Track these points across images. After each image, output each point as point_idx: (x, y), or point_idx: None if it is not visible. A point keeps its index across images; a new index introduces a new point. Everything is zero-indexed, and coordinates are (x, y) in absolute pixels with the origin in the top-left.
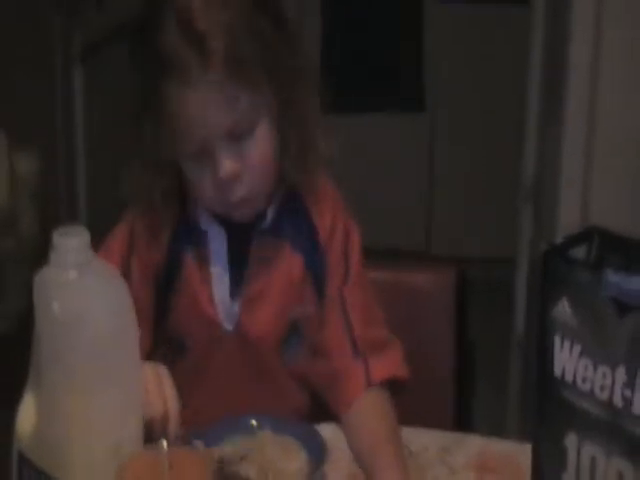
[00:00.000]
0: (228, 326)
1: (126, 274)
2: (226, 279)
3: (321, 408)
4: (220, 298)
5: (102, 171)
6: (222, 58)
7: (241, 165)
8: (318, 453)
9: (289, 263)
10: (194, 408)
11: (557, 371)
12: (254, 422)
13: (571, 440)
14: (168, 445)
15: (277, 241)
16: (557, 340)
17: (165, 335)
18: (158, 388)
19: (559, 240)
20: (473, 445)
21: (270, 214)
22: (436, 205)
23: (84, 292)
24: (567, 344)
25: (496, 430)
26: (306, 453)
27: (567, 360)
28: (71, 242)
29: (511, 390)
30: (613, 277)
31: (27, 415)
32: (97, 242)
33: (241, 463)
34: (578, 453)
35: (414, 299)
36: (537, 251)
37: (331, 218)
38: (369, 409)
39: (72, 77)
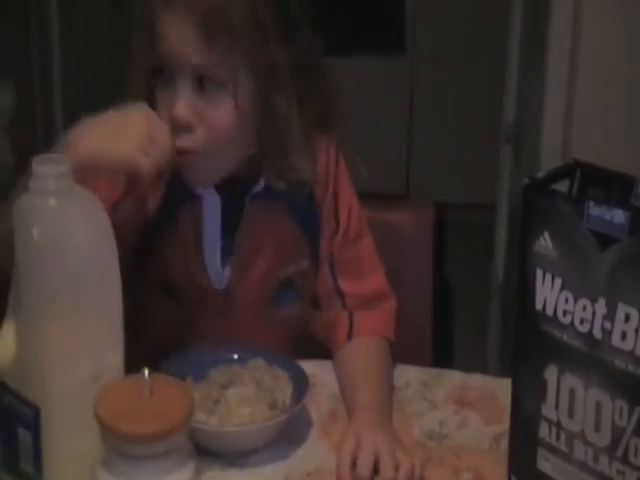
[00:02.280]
0: (218, 286)
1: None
2: (218, 246)
3: None
4: (211, 263)
5: (79, 103)
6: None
7: (197, 119)
8: (302, 387)
9: (283, 225)
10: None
11: (538, 305)
12: (236, 356)
13: (551, 372)
14: (150, 374)
15: (271, 204)
16: (538, 274)
17: (159, 278)
18: (157, 133)
19: (540, 174)
20: (452, 380)
21: (262, 180)
22: (416, 149)
23: (64, 219)
24: (548, 278)
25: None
26: (292, 384)
27: (548, 294)
28: (50, 169)
29: (490, 333)
30: (594, 210)
31: (7, 342)
32: None
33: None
34: (558, 384)
35: (393, 238)
36: (517, 194)
37: (324, 179)
38: (355, 353)
39: (49, 13)
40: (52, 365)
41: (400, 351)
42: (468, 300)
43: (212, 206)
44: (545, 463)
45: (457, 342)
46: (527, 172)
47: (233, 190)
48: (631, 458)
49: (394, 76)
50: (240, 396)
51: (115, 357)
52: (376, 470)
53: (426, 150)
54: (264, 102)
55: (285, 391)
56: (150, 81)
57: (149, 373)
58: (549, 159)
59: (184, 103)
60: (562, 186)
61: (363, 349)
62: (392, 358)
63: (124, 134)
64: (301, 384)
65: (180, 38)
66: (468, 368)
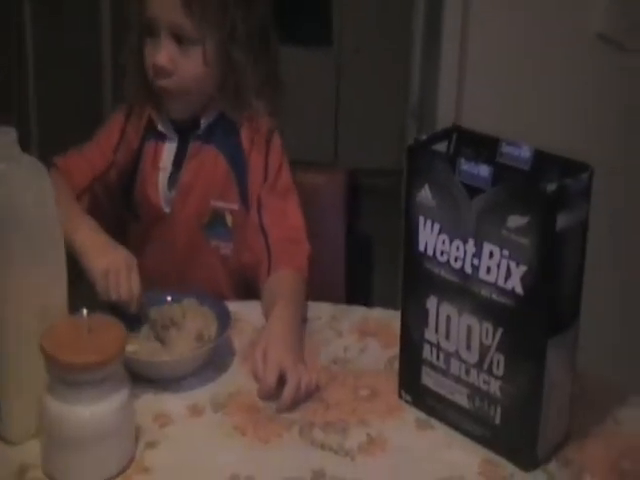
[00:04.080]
0: (166, 209)
1: (116, 151)
2: (167, 173)
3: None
4: (162, 186)
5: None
6: None
7: (173, 67)
8: (226, 322)
9: (214, 163)
10: (143, 266)
11: (421, 247)
12: (169, 298)
13: (431, 302)
14: (88, 313)
15: (207, 145)
16: (420, 220)
17: (129, 205)
18: (128, 274)
19: (422, 136)
20: (357, 314)
21: (203, 124)
22: (342, 125)
23: (12, 182)
24: (429, 224)
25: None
26: (217, 320)
27: (429, 237)
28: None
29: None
30: (465, 166)
31: None
32: (48, 159)
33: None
34: (437, 312)
35: (311, 197)
36: None
37: (254, 135)
38: (274, 283)
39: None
40: (3, 305)
41: (317, 294)
42: (383, 249)
43: (170, 141)
44: (428, 378)
45: (374, 283)
46: None
47: (185, 132)
48: (494, 370)
49: (323, 65)
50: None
51: (59, 298)
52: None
53: (349, 126)
54: (226, 56)
55: (210, 327)
56: (141, 40)
57: (87, 313)
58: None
59: (164, 53)
60: (441, 147)
61: (281, 279)
62: (305, 291)
63: (105, 258)
64: (225, 320)
65: (166, 6)
66: (383, 303)
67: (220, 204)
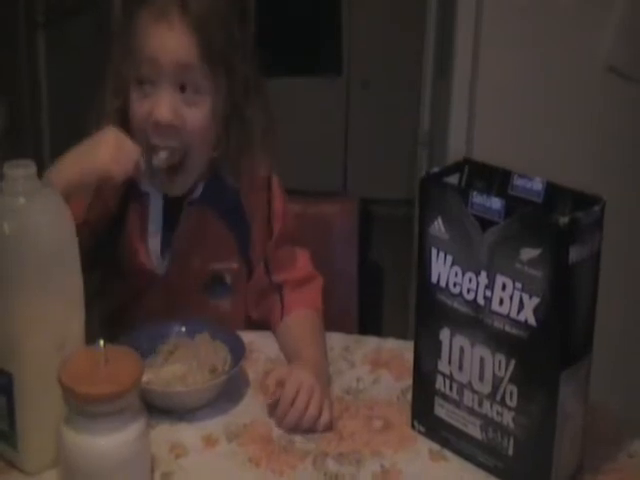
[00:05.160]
0: (159, 272)
1: (86, 211)
2: (158, 239)
3: None
4: (153, 253)
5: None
6: (197, 17)
7: (177, 121)
8: (239, 354)
9: (212, 226)
10: (137, 319)
11: (434, 278)
12: (183, 329)
13: (445, 333)
14: (105, 344)
15: (204, 210)
16: (433, 252)
17: (118, 263)
18: (125, 146)
19: (435, 169)
20: (370, 344)
21: (200, 188)
22: (351, 155)
23: (31, 215)
24: (442, 256)
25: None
26: (231, 353)
27: (441, 269)
28: (19, 172)
29: (412, 306)
30: (477, 198)
31: None
32: None
33: (171, 356)
34: (450, 344)
35: (323, 228)
36: None
37: (252, 190)
38: (290, 325)
39: (36, 42)
40: (22, 338)
41: (329, 325)
42: (394, 279)
43: (156, 204)
44: (441, 409)
45: (385, 312)
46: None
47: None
48: (507, 402)
49: (332, 95)
50: (185, 367)
51: (76, 329)
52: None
53: (359, 156)
54: (234, 108)
55: (224, 360)
56: (125, 94)
57: (104, 344)
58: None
59: (167, 106)
60: (453, 179)
61: (296, 320)
62: (322, 325)
63: (96, 150)
64: (239, 351)
65: (176, 48)
66: (394, 333)
67: (219, 266)
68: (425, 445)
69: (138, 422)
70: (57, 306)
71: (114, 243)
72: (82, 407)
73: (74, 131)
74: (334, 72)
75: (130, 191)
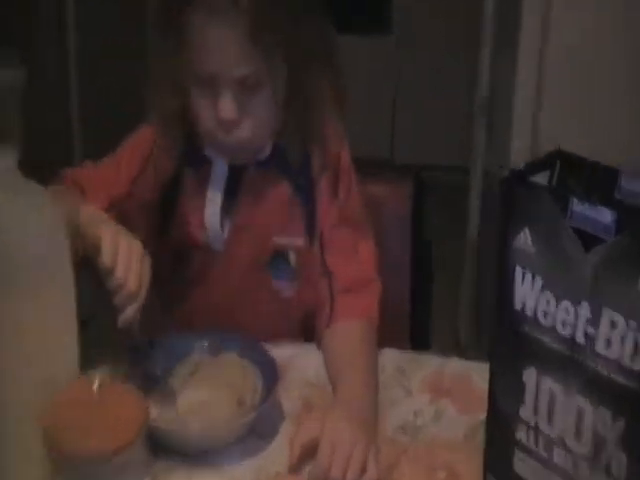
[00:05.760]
0: (218, 247)
1: (144, 171)
2: (218, 206)
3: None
4: (210, 222)
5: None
6: (252, 6)
7: (241, 115)
8: (272, 379)
9: (278, 192)
10: (181, 313)
11: (517, 304)
12: (206, 344)
13: (530, 374)
14: (100, 381)
15: (268, 170)
16: (518, 272)
17: (170, 245)
18: (140, 259)
19: (519, 165)
20: (429, 366)
21: (268, 148)
22: (399, 118)
23: (11, 213)
24: (528, 277)
25: (450, 332)
26: (261, 379)
27: (528, 293)
28: None
29: (463, 292)
30: (578, 207)
31: None
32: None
33: (190, 379)
34: (536, 388)
35: (372, 210)
36: (490, 160)
37: (325, 160)
38: (334, 340)
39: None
40: (4, 370)
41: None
42: (445, 257)
43: (219, 169)
44: (522, 466)
45: (433, 298)
46: (499, 140)
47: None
48: (614, 470)
49: (381, 54)
50: (206, 395)
51: (69, 363)
52: None
53: (409, 119)
54: (296, 86)
55: (253, 389)
56: (184, 92)
57: (100, 380)
58: (519, 127)
59: (230, 105)
60: (542, 178)
61: (344, 333)
62: (375, 343)
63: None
64: (271, 378)
65: (225, 53)
66: (442, 327)
67: (283, 241)
68: None
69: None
70: (45, 334)
71: (166, 218)
72: (71, 465)
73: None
74: (384, 30)
75: (187, 155)
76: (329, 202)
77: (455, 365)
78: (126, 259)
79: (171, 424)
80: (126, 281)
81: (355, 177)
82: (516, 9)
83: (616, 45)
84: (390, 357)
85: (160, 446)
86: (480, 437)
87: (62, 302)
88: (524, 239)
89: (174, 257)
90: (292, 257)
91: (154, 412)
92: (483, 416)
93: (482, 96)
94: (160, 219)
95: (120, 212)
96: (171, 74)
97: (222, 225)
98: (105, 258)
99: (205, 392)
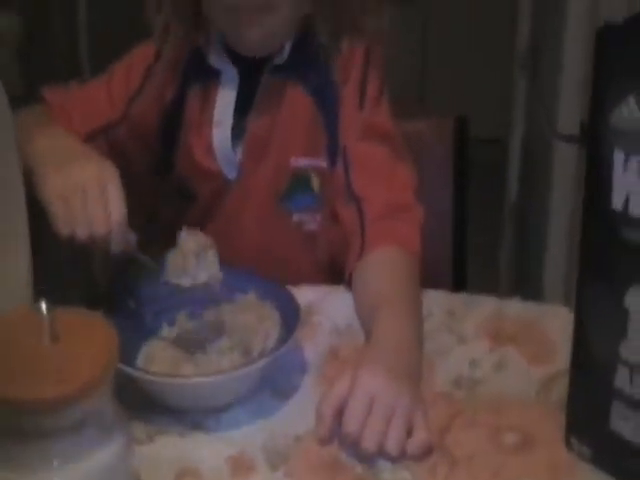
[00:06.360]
0: (230, 174)
1: (142, 91)
2: (229, 124)
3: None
4: (220, 145)
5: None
6: None
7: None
8: (292, 322)
9: (297, 105)
10: None
11: (616, 203)
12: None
13: (636, 296)
14: (49, 308)
15: (285, 80)
16: (617, 157)
17: (174, 182)
18: (100, 195)
19: (617, 20)
20: (485, 307)
21: (287, 50)
22: (431, 72)
23: None
24: (633, 163)
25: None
26: (281, 322)
27: (633, 186)
28: None
29: (502, 259)
30: None
31: None
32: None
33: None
34: None
35: (414, 146)
36: (532, 118)
37: (350, 62)
38: (369, 271)
39: None
40: None
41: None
42: (481, 221)
43: (229, 81)
44: (622, 423)
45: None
46: (543, 98)
47: (251, 63)
48: None
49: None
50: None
51: (20, 273)
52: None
53: (441, 71)
54: None
55: (263, 337)
56: None
57: (49, 307)
58: (570, 85)
59: None
60: None
61: (380, 265)
62: (418, 276)
63: (61, 174)
64: (292, 323)
65: None
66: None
67: (304, 162)
68: (592, 477)
69: (111, 444)
70: None
71: (168, 148)
72: (15, 421)
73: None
74: None
75: (192, 70)
76: (354, 109)
77: (518, 307)
78: (83, 218)
79: (158, 374)
80: (94, 235)
81: (384, 80)
82: None
83: None
84: (436, 299)
85: (146, 403)
86: (558, 392)
87: (10, 210)
88: (627, 112)
89: (179, 195)
90: (315, 182)
91: (142, 359)
92: (560, 367)
93: (522, 49)
94: (161, 150)
95: (113, 142)
96: None
97: (233, 147)
98: (59, 228)
99: (203, 336)
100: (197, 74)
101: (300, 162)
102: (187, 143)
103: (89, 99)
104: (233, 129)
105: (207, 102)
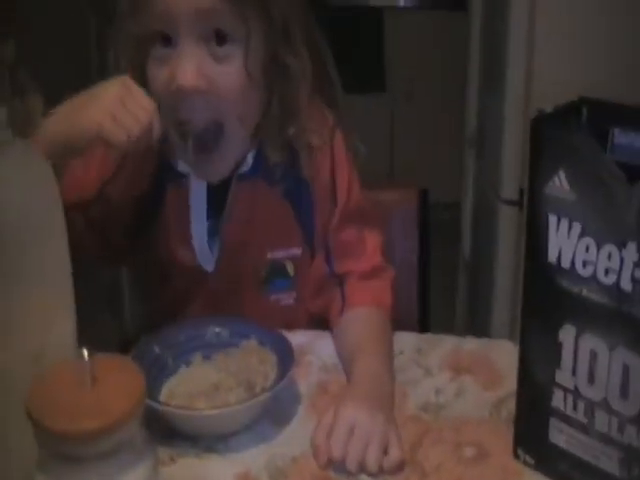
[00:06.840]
0: (208, 267)
1: (106, 184)
2: (204, 228)
3: None
4: (198, 242)
5: None
6: None
7: (205, 85)
8: (287, 365)
9: (270, 207)
10: None
11: (552, 256)
12: (217, 329)
13: (567, 333)
14: (90, 354)
15: (258, 184)
16: (552, 221)
17: (154, 259)
18: (131, 95)
19: (548, 109)
20: (446, 345)
21: (250, 158)
22: (398, 152)
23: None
24: (564, 224)
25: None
26: (278, 365)
27: (564, 242)
28: None
29: (458, 304)
30: (621, 138)
31: None
32: None
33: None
34: (575, 347)
35: (385, 212)
36: (480, 186)
37: (317, 165)
38: (348, 325)
39: None
40: None
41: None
42: (440, 274)
43: (198, 186)
44: (559, 436)
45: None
46: (488, 170)
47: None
48: None
49: (377, 111)
50: (215, 378)
51: (64, 330)
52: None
53: (406, 151)
54: (275, 63)
55: (264, 374)
56: (140, 56)
57: (90, 353)
58: (511, 153)
59: (191, 66)
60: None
61: (356, 320)
62: (390, 326)
63: (92, 103)
64: (287, 363)
65: None
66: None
67: (280, 254)
68: None
69: (141, 465)
70: (37, 302)
71: (150, 234)
72: (59, 448)
73: None
74: (378, 88)
75: (165, 171)
76: (328, 207)
77: (473, 343)
78: (132, 118)
79: (177, 406)
80: (142, 128)
81: (351, 168)
82: (501, 54)
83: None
84: (406, 339)
85: (168, 431)
86: (507, 412)
87: (56, 274)
88: (558, 184)
89: (160, 275)
90: (290, 268)
91: (163, 394)
92: (508, 391)
93: (470, 130)
94: (139, 235)
95: (90, 219)
96: (126, 37)
97: (210, 246)
98: (117, 137)
99: (214, 376)
100: (169, 175)
101: (276, 254)
102: (167, 237)
103: (69, 179)
104: (209, 229)
105: (183, 203)
